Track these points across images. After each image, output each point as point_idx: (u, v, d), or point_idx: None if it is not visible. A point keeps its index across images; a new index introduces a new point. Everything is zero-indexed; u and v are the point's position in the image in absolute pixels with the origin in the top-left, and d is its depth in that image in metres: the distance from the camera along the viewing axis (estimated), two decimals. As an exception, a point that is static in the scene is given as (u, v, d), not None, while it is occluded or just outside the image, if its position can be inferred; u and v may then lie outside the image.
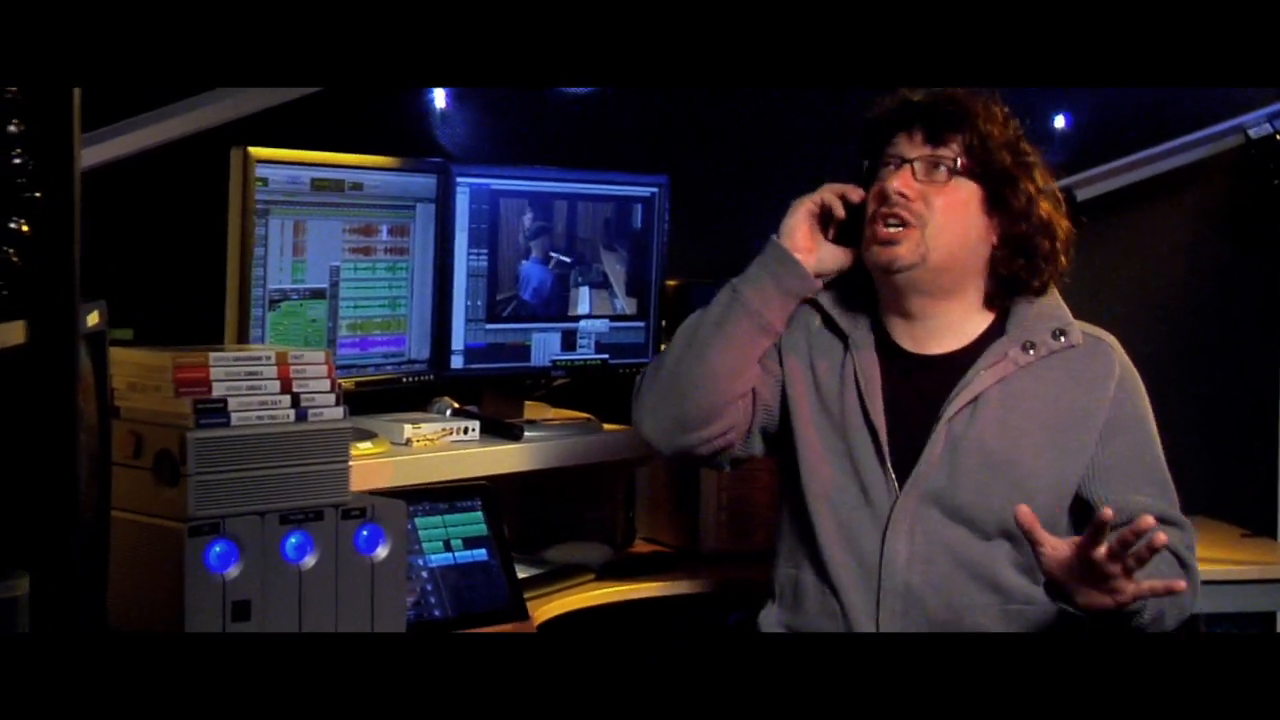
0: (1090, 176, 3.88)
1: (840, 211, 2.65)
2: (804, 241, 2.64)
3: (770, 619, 2.68)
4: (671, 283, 3.33)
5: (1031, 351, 2.60)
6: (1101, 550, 2.32)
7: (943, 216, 2.56)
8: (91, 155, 2.72)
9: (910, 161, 2.57)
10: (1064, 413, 2.59)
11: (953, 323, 2.63)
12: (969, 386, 2.58)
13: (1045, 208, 2.61)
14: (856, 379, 2.62)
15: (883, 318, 2.66)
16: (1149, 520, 2.30)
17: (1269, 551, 3.65)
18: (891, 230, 2.56)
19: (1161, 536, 2.29)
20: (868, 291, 2.68)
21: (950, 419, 2.57)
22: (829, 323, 2.68)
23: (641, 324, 3.29)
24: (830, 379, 2.64)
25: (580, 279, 3.20)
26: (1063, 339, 2.61)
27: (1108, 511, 2.30)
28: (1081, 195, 3.87)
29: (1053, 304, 2.65)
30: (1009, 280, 2.62)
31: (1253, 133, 3.86)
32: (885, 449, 2.58)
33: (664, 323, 3.31)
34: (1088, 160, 3.88)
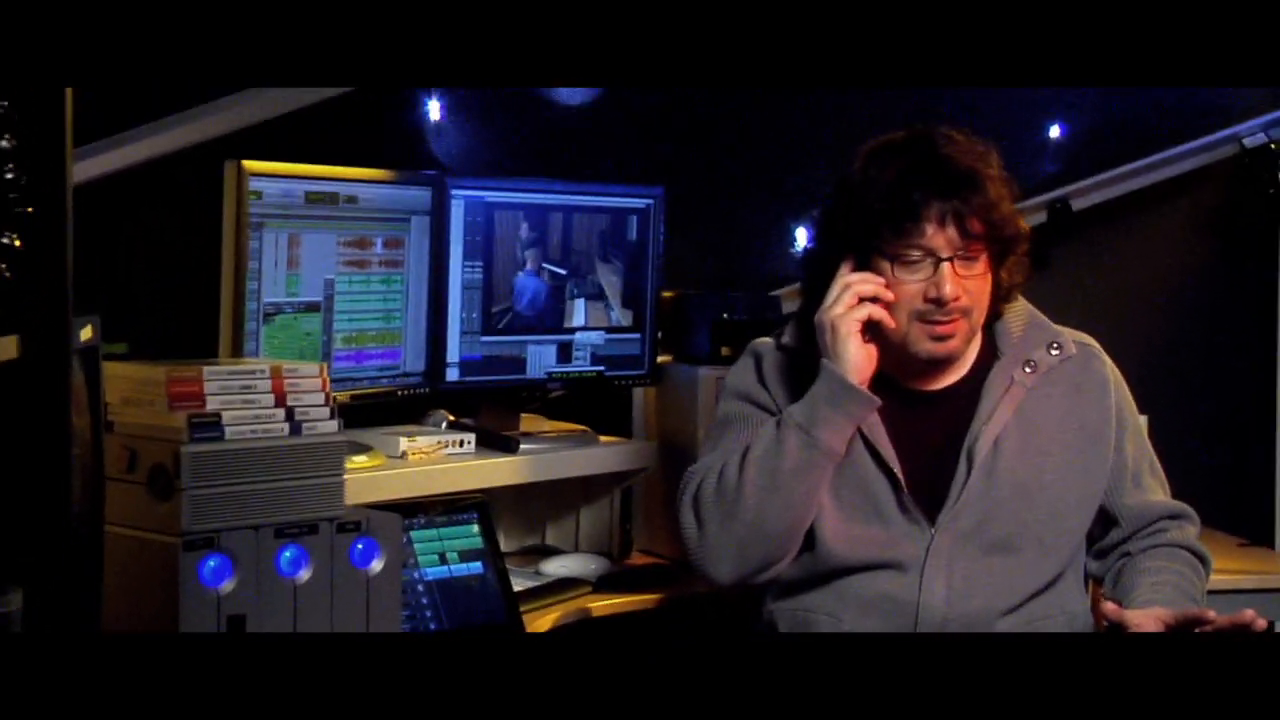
0: (1086, 186, 3.89)
1: (890, 323, 2.52)
2: (861, 363, 2.53)
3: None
4: (667, 294, 3.33)
5: (1031, 370, 2.60)
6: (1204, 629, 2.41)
7: (981, 299, 2.54)
8: (86, 169, 2.72)
9: (948, 260, 2.49)
10: (1078, 429, 2.61)
11: (957, 365, 2.63)
12: (992, 422, 2.57)
13: (1024, 226, 2.60)
14: (868, 444, 2.57)
15: (879, 363, 2.59)
16: (1255, 620, 2.39)
17: (1267, 561, 3.65)
18: (946, 328, 2.52)
19: (1261, 623, 2.40)
20: None
21: (980, 454, 2.55)
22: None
23: (637, 336, 3.28)
24: (846, 456, 2.57)
25: (575, 291, 3.20)
26: (1058, 352, 2.62)
27: (1210, 614, 2.40)
28: (1077, 205, 3.88)
29: (1026, 310, 2.66)
30: (998, 302, 2.61)
31: (1248, 142, 3.86)
32: (906, 492, 2.56)
33: (659, 334, 3.30)
34: (1083, 169, 3.88)
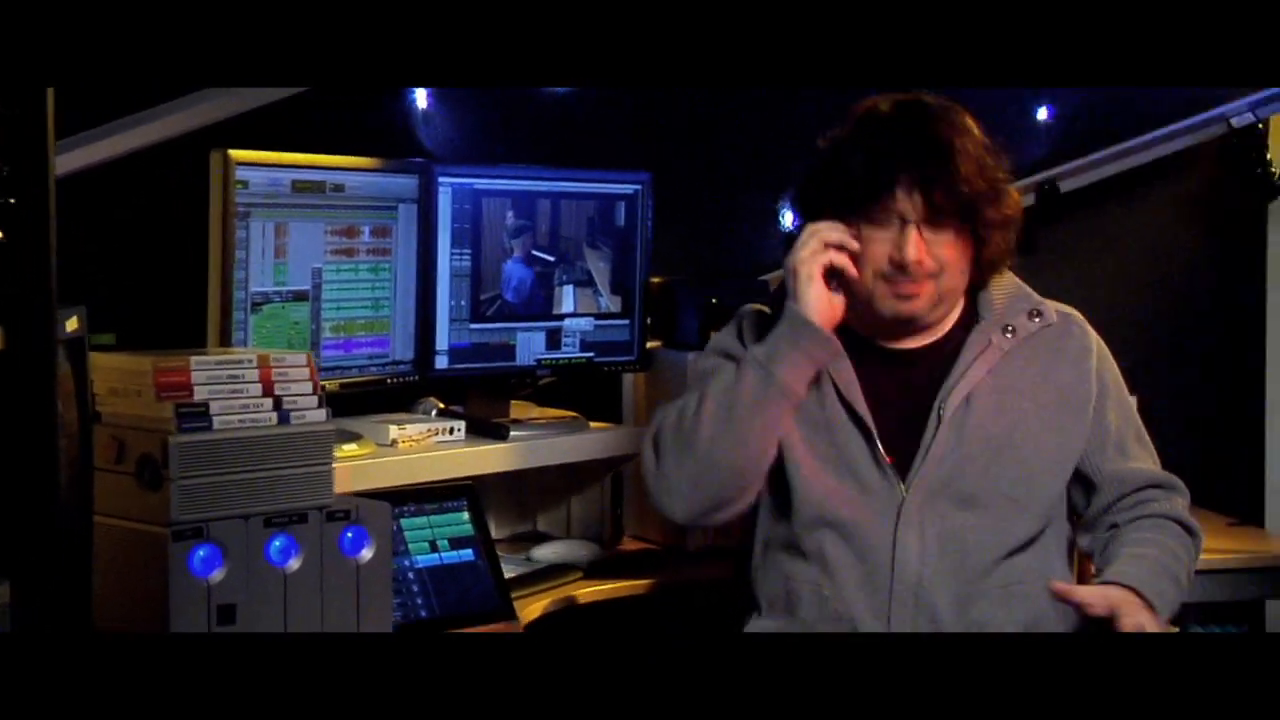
0: (1074, 168, 3.89)
1: (852, 270, 2.57)
2: (823, 306, 2.57)
3: (762, 628, 2.66)
4: (655, 280, 3.33)
5: (1011, 334, 2.62)
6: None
7: (951, 266, 2.57)
8: (71, 160, 2.71)
9: (915, 224, 2.53)
10: (1054, 391, 2.62)
11: (930, 320, 2.64)
12: (964, 379, 2.59)
13: (1012, 201, 2.62)
14: (833, 382, 2.60)
15: (850, 320, 2.63)
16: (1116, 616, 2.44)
17: (1257, 540, 3.66)
18: (909, 288, 2.56)
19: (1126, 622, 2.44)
20: None
21: (952, 410, 2.58)
22: None
23: (626, 322, 3.28)
24: (810, 396, 2.60)
25: (564, 278, 3.20)
26: (1038, 319, 2.64)
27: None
28: (1065, 186, 3.88)
29: (1013, 283, 2.68)
30: (984, 272, 2.64)
31: (1235, 122, 3.87)
32: (880, 447, 2.58)
33: (649, 320, 3.30)
34: (1071, 151, 3.88)
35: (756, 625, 2.66)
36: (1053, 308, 2.67)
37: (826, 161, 2.62)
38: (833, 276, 2.57)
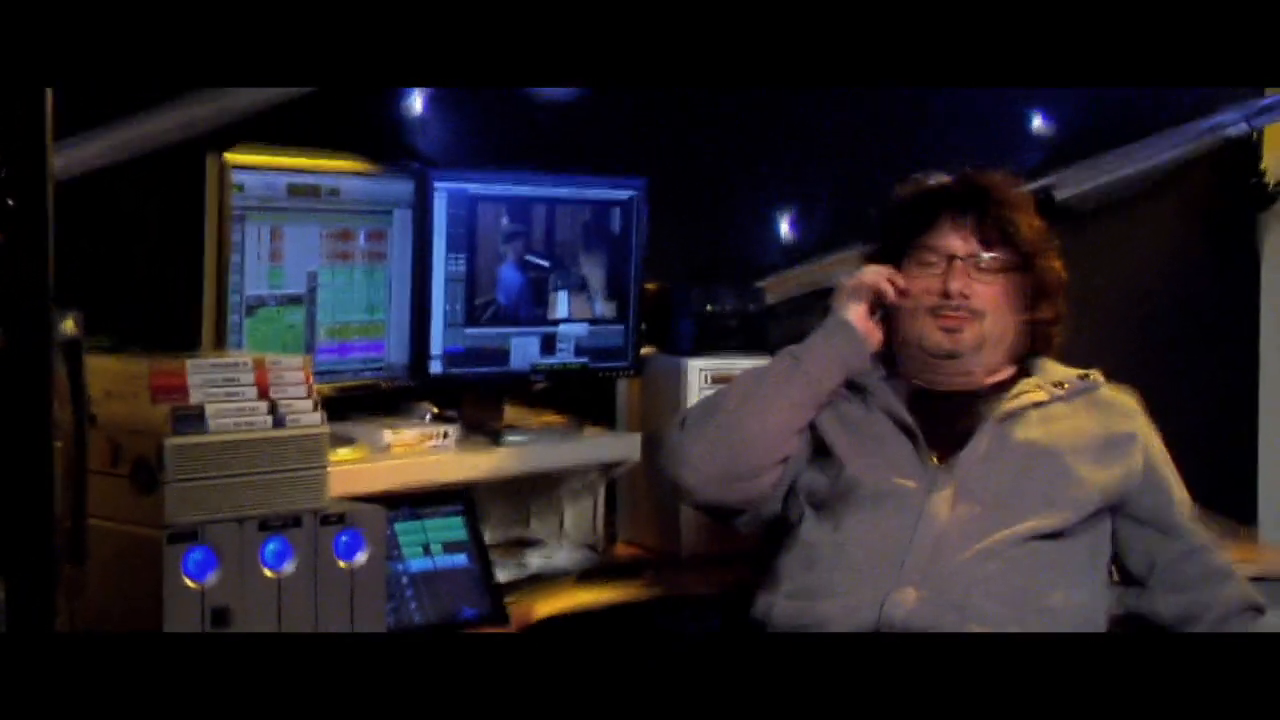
0: (1069, 176, 3.89)
1: (892, 297, 2.79)
2: (862, 321, 2.79)
3: (771, 601, 2.70)
4: (650, 286, 3.33)
5: (1060, 389, 2.77)
6: None
7: (995, 307, 2.77)
8: (66, 162, 2.71)
9: (962, 259, 2.76)
10: (1100, 434, 2.74)
11: (979, 373, 2.80)
12: (1013, 404, 2.73)
13: (1060, 273, 2.82)
14: (886, 411, 2.75)
15: (901, 369, 2.82)
16: None
17: (1250, 549, 3.65)
18: (953, 321, 2.75)
19: None
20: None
21: (997, 420, 2.70)
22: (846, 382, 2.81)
23: (621, 327, 3.28)
24: (858, 412, 2.78)
25: (559, 283, 3.20)
26: (1087, 380, 2.80)
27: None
28: (1060, 194, 3.89)
29: (1060, 363, 2.85)
30: (1035, 341, 2.82)
31: (1230, 131, 3.87)
32: (923, 446, 2.70)
33: (643, 326, 3.30)
34: (1066, 159, 3.89)
35: (765, 599, 2.70)
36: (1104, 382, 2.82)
37: (886, 213, 2.88)
38: (875, 309, 2.81)
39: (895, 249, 2.83)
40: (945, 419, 2.75)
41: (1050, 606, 2.59)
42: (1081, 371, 2.81)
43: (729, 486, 2.74)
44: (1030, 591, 2.59)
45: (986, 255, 2.76)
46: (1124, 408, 2.79)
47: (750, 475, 2.73)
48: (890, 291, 2.78)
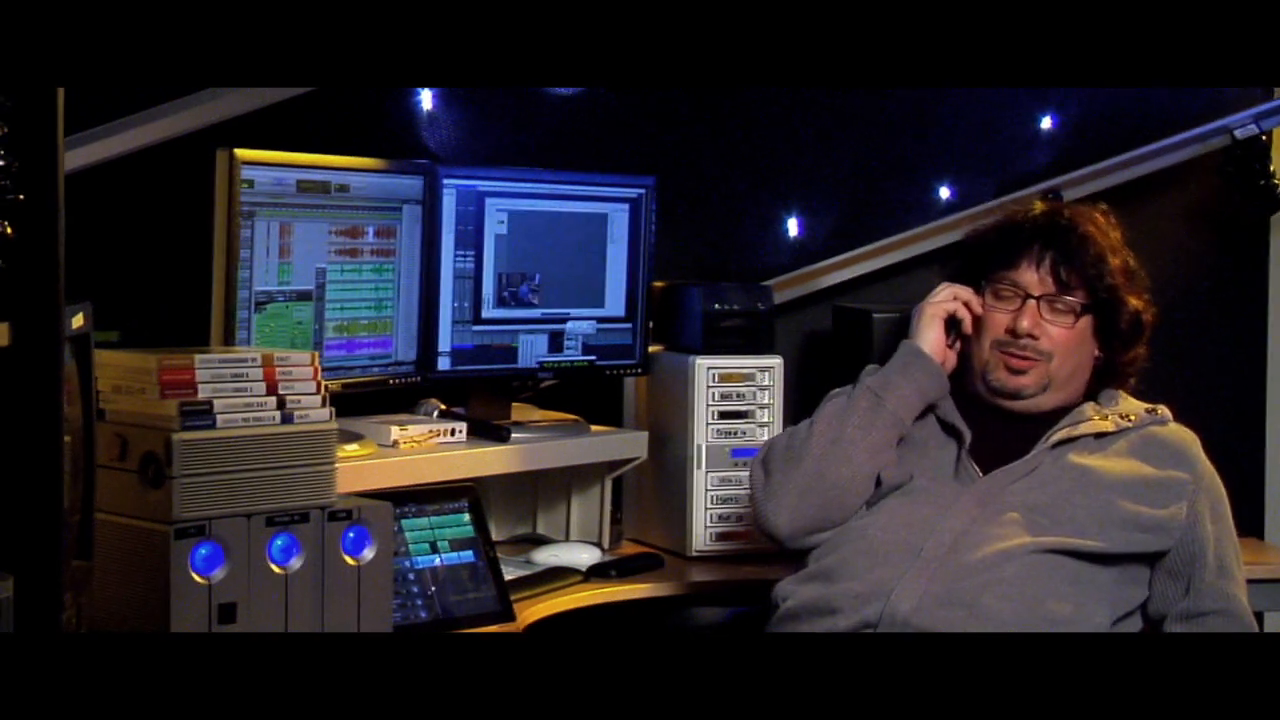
0: (1077, 177, 3.88)
1: (969, 326, 2.78)
2: (938, 347, 2.79)
3: (791, 588, 2.70)
4: (658, 284, 3.33)
5: (1125, 420, 2.74)
6: None
7: (1065, 350, 2.75)
8: (77, 158, 2.71)
9: (1036, 299, 2.74)
10: (1153, 474, 2.69)
11: (1038, 404, 2.78)
12: (1074, 424, 2.72)
13: (1146, 314, 2.79)
14: (940, 418, 2.77)
15: (967, 385, 2.81)
16: None
17: (1258, 551, 3.65)
18: (1019, 362, 2.74)
19: None
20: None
21: (1052, 445, 2.70)
22: None
23: (629, 325, 3.28)
24: (920, 432, 2.77)
25: (567, 280, 3.19)
26: (1155, 415, 2.76)
27: None
28: (1068, 195, 3.88)
29: (1134, 400, 2.81)
30: (1112, 378, 2.81)
31: (1239, 133, 3.86)
32: (967, 453, 2.71)
33: (651, 324, 3.30)
34: (1074, 160, 3.88)
35: (787, 579, 2.72)
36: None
37: (972, 238, 2.86)
38: (951, 330, 2.80)
39: (976, 274, 2.81)
40: (998, 435, 2.74)
41: (1061, 618, 2.55)
42: (1150, 406, 2.78)
43: (820, 530, 2.72)
44: (1043, 600, 2.55)
45: (1064, 297, 2.74)
46: (1183, 450, 2.73)
47: (840, 518, 2.72)
48: (968, 319, 2.78)
